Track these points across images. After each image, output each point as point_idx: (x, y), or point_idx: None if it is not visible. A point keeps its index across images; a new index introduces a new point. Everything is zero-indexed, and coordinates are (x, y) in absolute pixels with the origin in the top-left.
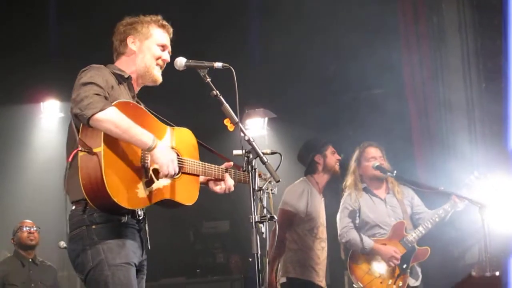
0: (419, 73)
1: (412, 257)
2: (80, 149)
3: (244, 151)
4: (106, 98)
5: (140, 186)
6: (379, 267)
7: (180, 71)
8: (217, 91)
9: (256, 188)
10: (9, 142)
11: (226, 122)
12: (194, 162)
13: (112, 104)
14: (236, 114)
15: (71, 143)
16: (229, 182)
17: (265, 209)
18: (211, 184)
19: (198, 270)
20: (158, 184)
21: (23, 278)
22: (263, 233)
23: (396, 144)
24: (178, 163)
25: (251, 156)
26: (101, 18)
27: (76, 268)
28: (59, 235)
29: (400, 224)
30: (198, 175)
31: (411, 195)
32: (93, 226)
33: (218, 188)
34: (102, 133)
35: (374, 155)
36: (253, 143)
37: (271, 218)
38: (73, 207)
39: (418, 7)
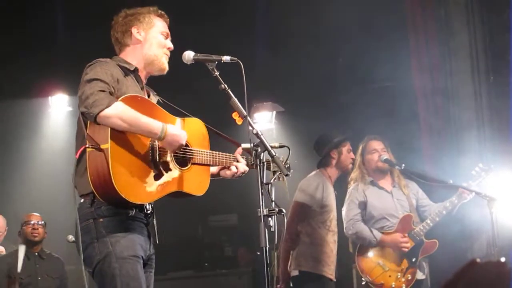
0: (427, 67)
1: (420, 250)
2: (87, 145)
3: (252, 144)
4: (111, 93)
5: (149, 180)
6: (388, 261)
7: (188, 64)
8: (225, 85)
9: (264, 181)
10: (18, 135)
11: (235, 115)
12: (204, 152)
13: (120, 99)
14: (244, 108)
15: (80, 138)
16: (242, 167)
17: (273, 203)
18: (222, 172)
19: (206, 264)
20: (168, 176)
21: (29, 271)
22: (271, 226)
23: (404, 138)
24: (188, 154)
25: (259, 149)
26: (110, 12)
27: (84, 261)
28: (67, 228)
29: (408, 217)
30: (208, 165)
31: (416, 189)
32: (101, 219)
33: (229, 172)
34: (109, 129)
35: (376, 147)
36: (262, 136)
37: (280, 211)
38: (82, 200)
39: (425, 1)
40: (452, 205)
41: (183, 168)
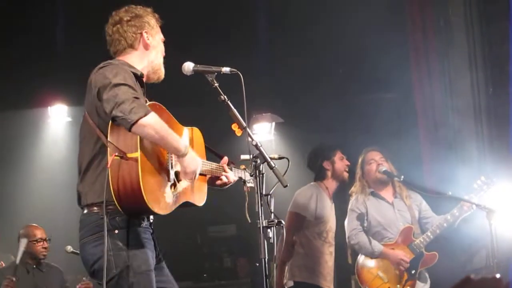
0: (427, 78)
1: (420, 262)
2: (116, 154)
3: (251, 156)
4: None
5: (168, 190)
6: (387, 272)
7: (188, 75)
8: (225, 96)
9: (264, 192)
10: (17, 146)
11: (234, 127)
12: (205, 162)
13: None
14: (243, 119)
15: (91, 144)
16: (231, 176)
17: (272, 214)
18: (211, 180)
19: (205, 275)
20: (180, 186)
21: (29, 285)
22: (270, 237)
23: (404, 148)
24: None
25: (258, 161)
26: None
27: (92, 274)
28: (66, 239)
29: (408, 228)
30: (206, 175)
31: (419, 200)
32: (116, 231)
33: (219, 181)
34: (138, 138)
35: (374, 158)
36: (261, 148)
37: (279, 223)
38: (86, 210)
39: (425, 12)
40: (453, 217)
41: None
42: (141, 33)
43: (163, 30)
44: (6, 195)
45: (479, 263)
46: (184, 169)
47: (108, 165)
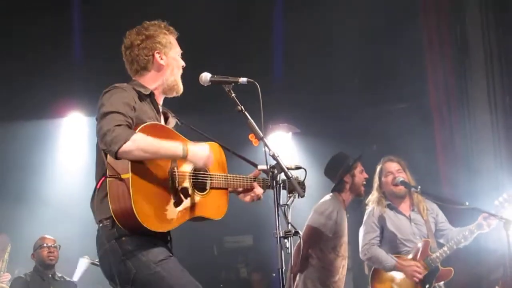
0: (443, 87)
1: (435, 277)
2: (108, 175)
3: (269, 166)
4: (129, 125)
5: (170, 207)
6: (401, 285)
7: (205, 86)
8: (242, 106)
9: (281, 203)
10: (33, 156)
11: (251, 137)
12: (221, 176)
13: (138, 129)
14: (260, 129)
15: (100, 165)
16: (258, 191)
17: (289, 224)
18: (240, 195)
19: (221, 285)
20: (187, 202)
21: None
22: (287, 248)
23: (420, 159)
24: (206, 179)
25: (275, 171)
26: (126, 30)
27: (117, 283)
28: (81, 251)
29: (425, 242)
30: (226, 189)
31: (435, 212)
32: (123, 238)
33: (248, 198)
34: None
35: (391, 170)
36: (278, 158)
37: (296, 233)
38: (100, 225)
39: (441, 20)
40: (471, 233)
41: (202, 193)
42: (153, 55)
43: (181, 42)
44: (20, 207)
45: (496, 275)
46: (199, 163)
47: (98, 186)
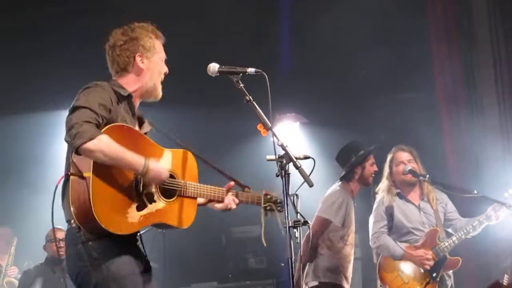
0: (450, 76)
1: (442, 266)
2: (70, 172)
3: (277, 156)
4: (98, 124)
5: (131, 210)
6: (408, 273)
7: (213, 77)
8: (250, 97)
9: (290, 192)
10: (48, 147)
11: (259, 127)
12: (190, 184)
13: (104, 129)
14: (269, 119)
15: (67, 163)
16: (230, 205)
17: (298, 214)
18: (211, 204)
19: (230, 275)
20: (151, 208)
21: (55, 285)
22: (297, 238)
23: (428, 149)
24: (174, 187)
25: (284, 161)
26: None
27: (80, 286)
28: None
29: (434, 231)
30: (195, 198)
31: (445, 201)
32: (90, 242)
33: (219, 206)
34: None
35: (402, 159)
36: (287, 148)
37: (305, 223)
38: (68, 226)
39: (448, 13)
40: (479, 224)
41: (168, 200)
42: (134, 57)
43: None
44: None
45: (504, 263)
46: (152, 183)
47: (57, 183)
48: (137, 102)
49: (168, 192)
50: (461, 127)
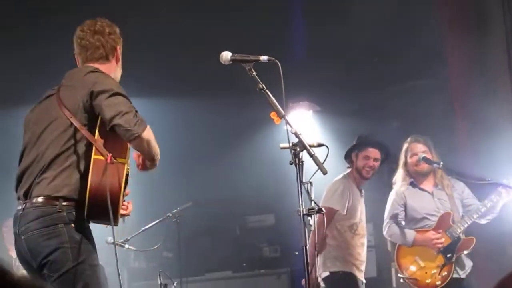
0: (463, 63)
1: (457, 247)
2: (111, 155)
3: (291, 144)
4: None
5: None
6: (424, 257)
7: (226, 65)
8: (263, 85)
9: (303, 180)
10: None
11: (273, 115)
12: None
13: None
14: (282, 107)
15: (61, 139)
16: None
17: (312, 202)
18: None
19: (244, 264)
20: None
21: None
22: (311, 225)
23: (441, 137)
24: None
25: (298, 149)
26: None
27: (43, 266)
28: (104, 231)
29: (447, 214)
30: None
31: (461, 188)
32: (72, 225)
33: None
34: (129, 146)
35: (417, 152)
36: (300, 135)
37: (319, 210)
38: (41, 200)
39: None
40: (491, 203)
41: None
42: (115, 48)
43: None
44: None
45: None
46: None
47: (108, 160)
48: None
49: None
50: (475, 114)
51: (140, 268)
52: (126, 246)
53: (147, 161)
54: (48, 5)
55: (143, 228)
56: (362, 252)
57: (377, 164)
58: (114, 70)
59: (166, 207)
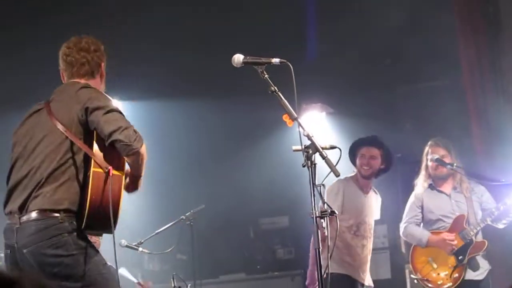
0: (476, 64)
1: (469, 249)
2: (111, 168)
3: (303, 146)
4: None
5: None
6: (438, 259)
7: (238, 67)
8: (275, 87)
9: (316, 183)
10: None
11: (285, 118)
12: None
13: None
14: (294, 110)
15: (58, 153)
16: None
17: (325, 204)
18: None
19: (258, 266)
20: None
21: None
22: (324, 228)
23: (455, 137)
24: None
25: (310, 151)
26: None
27: (56, 274)
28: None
29: (461, 217)
30: None
31: (481, 192)
32: (75, 233)
33: None
34: (124, 158)
35: (436, 155)
36: (313, 138)
37: (332, 213)
38: (41, 213)
39: None
40: (505, 206)
41: None
42: (100, 64)
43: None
44: None
45: None
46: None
47: (110, 174)
48: None
49: None
50: (488, 114)
51: (154, 271)
52: (140, 249)
53: (132, 181)
54: (48, 5)
55: (156, 231)
56: (362, 253)
57: (374, 162)
58: (99, 86)
59: (180, 209)
